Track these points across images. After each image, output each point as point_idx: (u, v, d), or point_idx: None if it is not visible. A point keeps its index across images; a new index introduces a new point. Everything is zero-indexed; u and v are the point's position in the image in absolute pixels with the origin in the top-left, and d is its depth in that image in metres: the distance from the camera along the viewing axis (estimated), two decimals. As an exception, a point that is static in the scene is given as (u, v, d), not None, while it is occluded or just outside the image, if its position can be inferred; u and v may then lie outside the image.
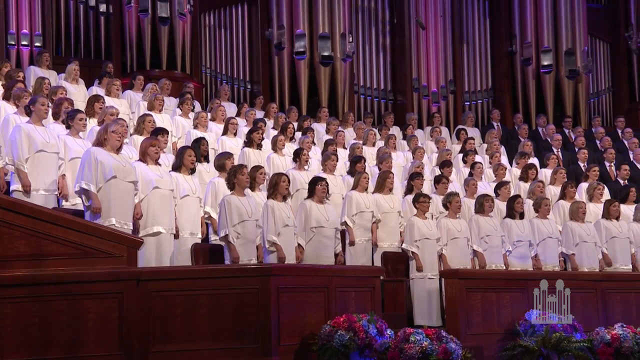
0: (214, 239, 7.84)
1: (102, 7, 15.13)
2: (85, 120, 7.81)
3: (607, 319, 8.69)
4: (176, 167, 7.66)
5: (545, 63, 16.47)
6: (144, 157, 7.26)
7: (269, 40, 15.36)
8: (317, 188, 7.99)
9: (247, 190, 7.64)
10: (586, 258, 9.40)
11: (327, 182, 8.11)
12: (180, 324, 6.13)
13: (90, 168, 6.66)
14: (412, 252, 8.56)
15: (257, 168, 7.94)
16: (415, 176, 9.54)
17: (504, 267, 8.95)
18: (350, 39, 15.35)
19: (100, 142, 6.86)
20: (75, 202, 7.37)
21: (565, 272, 9.37)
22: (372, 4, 16.59)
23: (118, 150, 6.95)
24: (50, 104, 7.83)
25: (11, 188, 7.10)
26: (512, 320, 8.12)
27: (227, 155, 8.13)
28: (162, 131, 8.25)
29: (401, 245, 8.98)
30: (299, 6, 15.13)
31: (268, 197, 7.69)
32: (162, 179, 7.22)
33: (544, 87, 16.41)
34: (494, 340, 7.83)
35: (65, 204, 7.43)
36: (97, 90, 11.57)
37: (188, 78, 14.31)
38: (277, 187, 7.61)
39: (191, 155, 7.68)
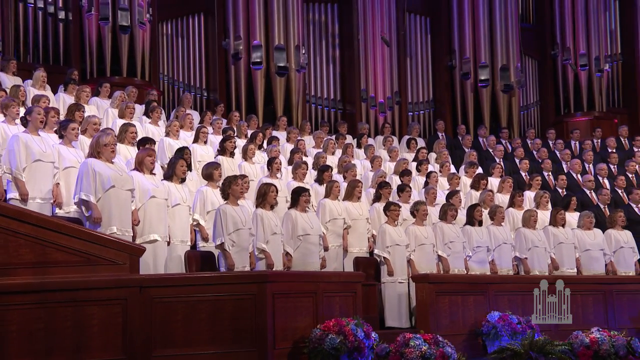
0: (202, 245, 7.80)
1: (61, 14, 14.77)
2: (78, 130, 7.66)
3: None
4: (168, 177, 7.60)
5: (483, 77, 16.84)
6: (140, 166, 7.20)
7: (226, 50, 15.27)
8: (301, 199, 8.03)
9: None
10: (537, 262, 9.66)
11: (309, 193, 8.16)
12: (180, 329, 6.13)
13: (89, 179, 6.58)
14: (384, 258, 8.67)
15: (242, 177, 7.94)
16: (383, 185, 9.66)
17: (465, 271, 9.13)
18: (304, 50, 15.40)
19: (94, 154, 6.77)
20: (69, 210, 7.24)
21: (516, 275, 9.64)
22: (322, 17, 16.67)
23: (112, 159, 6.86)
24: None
25: (8, 196, 6.93)
26: (475, 321, 8.37)
27: (215, 165, 8.09)
28: (150, 141, 8.15)
29: (370, 250, 9.08)
30: (255, 18, 15.09)
31: (257, 206, 7.69)
32: (158, 188, 7.18)
33: (481, 100, 16.77)
34: (459, 341, 8.01)
35: (58, 212, 7.28)
36: (63, 96, 11.35)
37: (147, 85, 14.12)
38: (266, 197, 7.62)
39: (183, 166, 7.65)
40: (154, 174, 7.34)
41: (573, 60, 17.91)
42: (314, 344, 6.42)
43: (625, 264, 10.30)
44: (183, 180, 7.71)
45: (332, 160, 11.33)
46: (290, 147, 11.70)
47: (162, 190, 7.23)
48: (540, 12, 18.69)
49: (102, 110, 11.23)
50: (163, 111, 12.25)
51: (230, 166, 9.56)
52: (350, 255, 9.03)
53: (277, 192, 7.78)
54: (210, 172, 7.93)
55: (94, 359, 5.89)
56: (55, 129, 7.67)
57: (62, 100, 11.15)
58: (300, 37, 15.38)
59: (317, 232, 8.11)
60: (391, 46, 16.18)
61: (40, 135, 7.26)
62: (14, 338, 5.72)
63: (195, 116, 12.45)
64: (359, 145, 13.06)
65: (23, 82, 11.57)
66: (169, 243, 7.39)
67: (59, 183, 7.26)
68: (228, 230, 7.15)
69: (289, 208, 8.23)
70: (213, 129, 11.32)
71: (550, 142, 15.33)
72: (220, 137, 11.23)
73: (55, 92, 11.64)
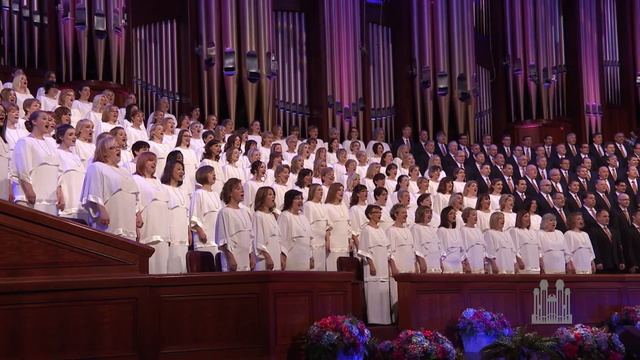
0: (199, 246, 7.83)
1: (37, 18, 14.57)
2: (75, 135, 7.63)
3: (524, 315, 9.35)
4: (166, 180, 7.62)
5: (441, 86, 17.13)
6: (141, 170, 7.20)
7: (199, 55, 15.25)
8: (294, 201, 8.13)
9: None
10: (505, 262, 9.93)
11: (302, 196, 8.26)
12: (187, 326, 6.14)
13: (97, 182, 6.57)
14: (367, 258, 8.81)
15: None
16: (360, 188, 9.81)
17: (441, 271, 9.33)
18: (273, 57, 15.47)
19: (100, 158, 6.77)
20: (71, 212, 7.21)
21: (489, 274, 9.87)
22: (290, 26, 16.76)
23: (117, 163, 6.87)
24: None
25: (16, 198, 6.87)
26: (452, 317, 8.58)
27: (209, 169, 8.13)
28: (144, 145, 8.14)
29: (350, 250, 9.21)
30: (228, 26, 15.11)
31: (255, 209, 7.75)
32: (159, 191, 7.20)
33: (440, 107, 17.06)
34: (438, 336, 8.23)
35: (61, 213, 7.24)
36: (45, 99, 11.22)
37: (122, 89, 14.04)
38: (264, 200, 7.69)
39: (180, 169, 7.67)
40: (154, 177, 7.36)
41: (523, 71, 18.34)
42: (312, 341, 6.50)
43: (583, 263, 10.64)
44: (180, 183, 7.73)
45: (307, 164, 11.42)
46: (265, 150, 11.76)
47: (162, 193, 7.26)
48: (493, 25, 19.08)
49: (84, 113, 11.14)
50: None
51: (215, 169, 9.57)
52: (332, 255, 9.15)
53: (274, 195, 7.86)
54: (205, 176, 7.97)
55: (105, 356, 5.86)
56: (53, 133, 7.62)
57: (44, 103, 11.01)
58: (270, 45, 15.45)
59: (309, 234, 8.23)
60: (356, 53, 16.34)
61: (44, 139, 7.21)
62: (29, 336, 5.67)
63: (173, 120, 12.43)
64: (330, 150, 13.18)
65: (3, 84, 11.43)
66: (169, 244, 7.40)
67: (60, 185, 7.21)
68: (230, 232, 7.21)
69: (282, 210, 8.31)
70: (192, 132, 11.31)
71: (506, 148, 15.67)
72: (199, 141, 11.28)
73: (33, 95, 11.50)
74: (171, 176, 7.62)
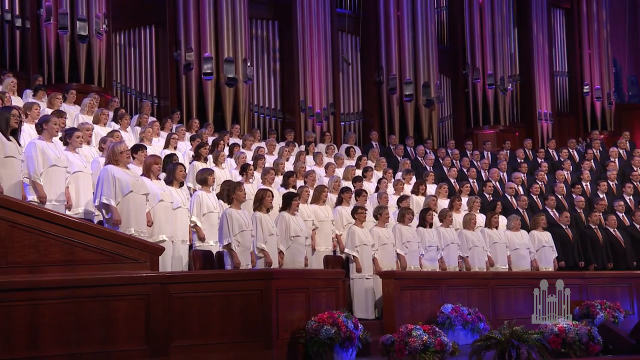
0: (198, 245, 7.92)
1: (18, 22, 14.41)
2: (82, 138, 7.66)
3: (495, 309, 9.65)
4: (169, 182, 7.69)
5: (407, 93, 17.40)
6: (147, 172, 7.27)
7: (177, 60, 15.26)
8: (292, 203, 8.27)
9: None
10: (477, 260, 10.20)
11: (299, 197, 8.40)
12: (196, 321, 6.26)
13: (109, 185, 6.65)
14: (353, 256, 8.98)
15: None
16: (345, 190, 9.98)
17: (420, 268, 9.56)
18: (249, 63, 15.56)
19: (112, 162, 6.83)
20: (78, 211, 7.24)
21: (464, 272, 10.12)
22: (264, 33, 16.85)
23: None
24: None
25: (28, 198, 6.86)
26: (431, 312, 8.80)
27: (209, 171, 8.22)
28: (142, 147, 8.20)
29: (333, 249, 9.38)
30: (206, 32, 15.15)
31: (254, 210, 7.87)
32: (165, 192, 7.28)
33: (406, 112, 17.35)
34: (419, 330, 8.44)
35: (68, 213, 7.24)
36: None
37: (103, 91, 13.98)
38: (263, 201, 7.82)
39: (182, 171, 7.76)
40: (159, 179, 7.43)
41: (481, 80, 18.73)
42: (310, 335, 6.64)
43: (546, 260, 10.99)
44: (182, 184, 7.82)
45: (288, 166, 11.55)
46: (247, 153, 11.83)
47: (168, 195, 7.37)
48: (453, 36, 19.42)
49: (71, 115, 11.07)
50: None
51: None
52: (318, 253, 9.30)
53: (272, 196, 7.99)
54: (204, 178, 8.07)
55: (119, 349, 5.96)
56: (60, 136, 7.63)
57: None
58: (246, 51, 15.54)
59: (305, 234, 8.39)
60: (327, 60, 16.52)
61: (53, 142, 7.22)
62: (47, 330, 5.75)
63: (157, 123, 12.45)
64: (307, 152, 13.32)
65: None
66: (172, 243, 7.48)
67: (68, 186, 7.24)
68: (234, 231, 7.33)
69: (280, 211, 8.45)
70: (178, 135, 11.33)
71: (468, 152, 16.00)
72: (184, 143, 11.33)
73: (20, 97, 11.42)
74: (174, 178, 7.70)
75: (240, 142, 12.51)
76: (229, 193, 7.54)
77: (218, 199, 8.09)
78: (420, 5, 17.71)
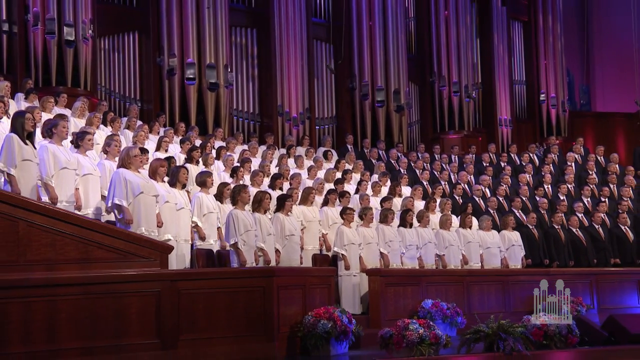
0: (199, 244, 8.03)
1: (5, 27, 14.28)
2: (93, 140, 7.72)
3: (470, 304, 9.93)
4: (172, 184, 7.78)
5: (379, 99, 17.66)
6: (154, 175, 7.36)
7: (160, 65, 15.29)
8: (286, 204, 8.43)
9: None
10: (453, 258, 10.49)
11: (293, 199, 8.55)
12: (202, 316, 6.40)
13: (121, 187, 6.74)
14: (342, 254, 9.17)
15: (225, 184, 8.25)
16: (331, 192, 10.17)
17: (401, 266, 9.79)
18: (230, 69, 15.66)
19: (124, 165, 6.92)
20: (87, 212, 7.30)
21: (442, 269, 10.39)
22: (244, 40, 16.95)
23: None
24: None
25: (42, 200, 6.91)
26: (413, 307, 9.05)
27: (208, 174, 8.33)
28: (144, 151, 8.27)
29: (320, 248, 9.56)
30: (188, 39, 15.21)
31: (253, 211, 8.01)
32: (170, 194, 7.38)
33: (378, 118, 17.60)
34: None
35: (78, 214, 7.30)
36: (25, 105, 11.07)
37: (89, 94, 13.95)
38: (262, 203, 7.97)
39: (185, 174, 7.86)
40: (164, 182, 7.53)
41: (447, 87, 19.08)
42: (307, 329, 6.81)
43: (515, 259, 11.34)
44: (184, 186, 7.92)
45: (271, 169, 11.69)
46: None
47: (173, 196, 7.47)
48: (420, 45, 19.72)
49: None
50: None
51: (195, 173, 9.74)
52: (306, 252, 9.45)
53: (270, 198, 8.14)
54: (204, 180, 8.18)
55: (132, 342, 6.08)
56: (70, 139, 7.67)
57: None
58: (227, 57, 15.64)
59: (299, 234, 8.55)
60: (303, 67, 16.68)
61: (62, 145, 7.27)
62: (64, 325, 5.85)
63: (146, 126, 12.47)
64: (288, 156, 13.45)
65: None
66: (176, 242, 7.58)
67: (78, 188, 7.30)
68: (240, 231, 7.48)
69: (274, 212, 8.61)
70: (168, 138, 11.38)
71: (436, 156, 16.30)
72: (173, 146, 11.39)
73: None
74: (177, 180, 7.80)
75: (224, 144, 12.60)
76: (235, 195, 7.68)
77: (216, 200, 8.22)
78: (391, 16, 17.98)
